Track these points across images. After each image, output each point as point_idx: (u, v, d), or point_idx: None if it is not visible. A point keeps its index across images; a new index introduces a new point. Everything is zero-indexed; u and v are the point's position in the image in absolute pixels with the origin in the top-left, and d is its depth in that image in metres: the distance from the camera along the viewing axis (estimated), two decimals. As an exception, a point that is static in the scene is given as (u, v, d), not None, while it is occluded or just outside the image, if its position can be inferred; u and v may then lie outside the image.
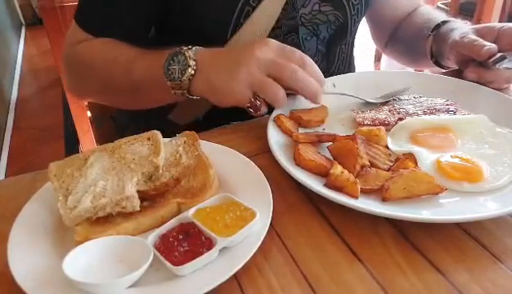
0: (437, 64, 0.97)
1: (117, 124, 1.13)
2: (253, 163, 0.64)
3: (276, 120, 0.74)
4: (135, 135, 0.65)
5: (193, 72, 0.70)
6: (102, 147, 0.63)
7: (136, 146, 0.62)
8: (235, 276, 0.50)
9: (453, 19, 0.96)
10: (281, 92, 0.68)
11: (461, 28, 0.89)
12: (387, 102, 0.81)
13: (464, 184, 0.60)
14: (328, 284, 0.50)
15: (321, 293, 0.49)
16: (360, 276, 0.51)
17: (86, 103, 1.75)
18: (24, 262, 0.50)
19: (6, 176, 2.36)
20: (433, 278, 0.50)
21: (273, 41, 0.71)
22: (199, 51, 0.72)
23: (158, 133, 0.64)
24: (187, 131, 0.67)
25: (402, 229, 0.56)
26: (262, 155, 0.69)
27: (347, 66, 1.05)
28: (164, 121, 0.97)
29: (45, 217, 0.57)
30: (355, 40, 1.06)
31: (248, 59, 0.68)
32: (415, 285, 0.49)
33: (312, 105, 0.76)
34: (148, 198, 0.58)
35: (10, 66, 3.57)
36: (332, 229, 0.57)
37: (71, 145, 2.46)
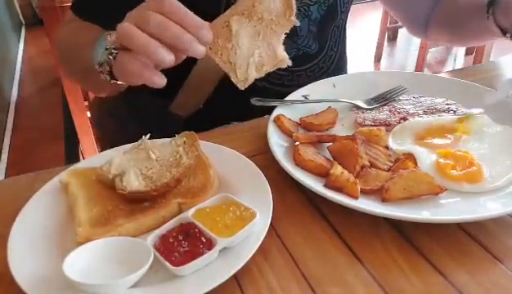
0: None
1: (116, 120, 1.12)
2: (253, 163, 0.64)
3: (276, 120, 0.74)
4: None
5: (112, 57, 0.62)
6: (234, 10, 0.62)
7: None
8: (235, 276, 0.50)
9: None
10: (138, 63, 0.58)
11: None
12: (383, 105, 0.81)
13: (464, 184, 0.60)
14: (328, 284, 0.50)
15: (320, 293, 0.49)
16: (360, 276, 0.51)
17: (86, 103, 1.75)
18: (24, 262, 0.50)
19: (6, 176, 2.36)
20: (433, 278, 0.50)
21: None
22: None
23: None
24: (187, 132, 0.66)
25: (402, 230, 0.56)
26: (262, 155, 0.69)
27: (339, 48, 1.03)
28: (165, 114, 0.95)
29: (45, 217, 0.57)
30: (347, 23, 1.04)
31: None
32: (415, 285, 0.49)
33: (320, 109, 0.76)
34: (149, 199, 0.58)
35: (10, 66, 3.57)
36: (332, 230, 0.57)
37: (71, 145, 2.46)
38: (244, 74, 0.63)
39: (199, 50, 0.57)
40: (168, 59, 0.56)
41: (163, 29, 0.55)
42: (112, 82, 0.65)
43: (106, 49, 0.62)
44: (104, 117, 1.14)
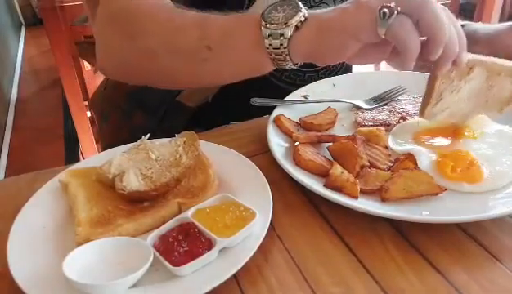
0: None
1: (121, 113, 1.10)
2: (253, 163, 0.64)
3: (276, 120, 0.74)
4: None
5: (303, 18, 0.58)
6: (488, 63, 0.61)
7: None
8: (234, 276, 0.50)
9: (467, 22, 0.95)
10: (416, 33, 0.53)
11: (486, 27, 0.88)
12: (383, 105, 0.81)
13: (464, 184, 0.60)
14: (327, 284, 0.50)
15: (320, 293, 0.49)
16: (359, 276, 0.51)
17: (86, 103, 1.75)
18: (24, 262, 0.50)
19: (5, 176, 2.36)
20: (432, 278, 0.50)
21: None
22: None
23: None
24: (187, 132, 0.66)
25: (402, 230, 0.56)
26: (262, 155, 0.69)
27: None
28: (173, 104, 0.94)
29: (45, 217, 0.57)
30: None
31: None
32: (415, 285, 0.49)
33: (320, 109, 0.76)
34: (148, 199, 0.58)
35: (10, 66, 3.57)
36: (332, 230, 0.57)
37: (71, 145, 2.46)
38: (437, 112, 0.64)
39: (450, 61, 0.56)
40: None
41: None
42: (280, 56, 0.59)
43: (300, 11, 0.58)
44: (108, 110, 1.12)
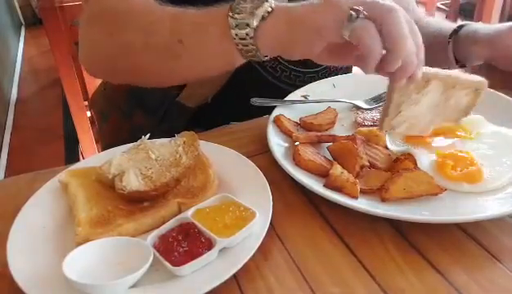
0: (462, 66, 0.96)
1: (122, 113, 1.10)
2: (253, 163, 0.64)
3: (276, 120, 0.74)
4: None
5: (270, 9, 0.58)
6: (442, 76, 0.62)
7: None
8: (234, 276, 0.50)
9: (467, 22, 0.96)
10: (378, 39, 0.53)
11: (486, 28, 0.89)
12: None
13: (464, 184, 0.60)
14: (327, 284, 0.50)
15: (320, 293, 0.49)
16: (359, 276, 0.51)
17: (86, 103, 1.75)
18: (23, 262, 0.50)
19: (5, 176, 2.36)
20: (432, 278, 0.50)
21: None
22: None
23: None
24: (186, 132, 0.66)
25: (402, 230, 0.56)
26: (261, 155, 0.69)
27: None
28: (173, 104, 0.94)
29: (44, 217, 0.57)
30: None
31: None
32: (414, 285, 0.49)
33: (320, 109, 0.75)
34: (148, 199, 0.58)
35: (9, 66, 3.56)
36: (332, 230, 0.57)
37: (71, 145, 2.46)
38: (396, 125, 0.64)
39: (407, 74, 0.55)
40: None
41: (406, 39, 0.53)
42: (247, 47, 0.59)
43: (266, 1, 0.57)
44: (108, 110, 1.12)
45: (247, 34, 0.58)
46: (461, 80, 0.64)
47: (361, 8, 0.52)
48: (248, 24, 0.58)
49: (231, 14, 0.58)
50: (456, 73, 0.65)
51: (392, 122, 0.63)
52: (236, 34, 0.59)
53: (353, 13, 0.52)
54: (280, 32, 0.58)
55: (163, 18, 0.67)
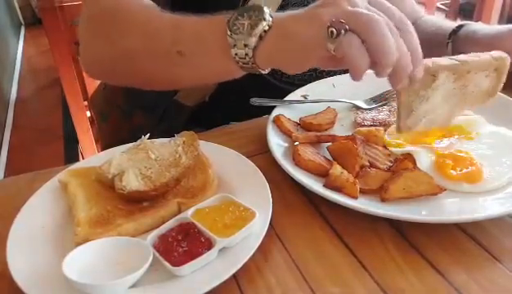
0: None
1: (122, 112, 1.10)
2: (253, 163, 0.64)
3: (276, 120, 0.74)
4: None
5: (267, 27, 0.57)
6: (449, 66, 0.60)
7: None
8: (234, 276, 0.50)
9: (467, 22, 0.95)
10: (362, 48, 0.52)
11: (486, 29, 0.89)
12: (382, 105, 0.81)
13: (464, 184, 0.60)
14: (327, 284, 0.50)
15: (320, 293, 0.49)
16: (359, 276, 0.51)
17: (85, 103, 1.75)
18: (23, 262, 0.50)
19: (5, 176, 2.36)
20: (432, 277, 0.50)
21: None
22: (274, 13, 0.60)
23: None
24: (186, 132, 0.67)
25: (402, 230, 0.56)
26: (261, 155, 0.69)
27: None
28: (171, 103, 0.94)
29: (44, 217, 0.57)
30: None
31: (334, 1, 0.55)
32: (414, 285, 0.49)
33: (319, 109, 0.75)
34: (148, 199, 0.58)
35: (9, 66, 3.56)
36: (331, 230, 0.57)
37: (71, 145, 2.46)
38: (413, 124, 0.63)
39: (403, 78, 0.54)
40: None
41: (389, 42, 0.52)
42: (246, 64, 0.59)
43: (264, 19, 0.57)
44: (108, 110, 1.12)
45: (246, 54, 0.58)
46: (474, 63, 0.61)
47: (342, 20, 0.52)
48: (246, 45, 0.57)
49: (229, 33, 0.58)
50: (465, 57, 0.62)
51: (407, 123, 0.63)
52: (236, 53, 0.59)
53: (334, 30, 0.52)
54: (274, 51, 0.58)
55: (164, 27, 0.66)
